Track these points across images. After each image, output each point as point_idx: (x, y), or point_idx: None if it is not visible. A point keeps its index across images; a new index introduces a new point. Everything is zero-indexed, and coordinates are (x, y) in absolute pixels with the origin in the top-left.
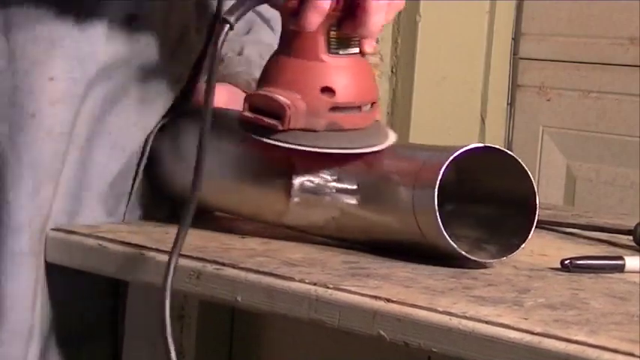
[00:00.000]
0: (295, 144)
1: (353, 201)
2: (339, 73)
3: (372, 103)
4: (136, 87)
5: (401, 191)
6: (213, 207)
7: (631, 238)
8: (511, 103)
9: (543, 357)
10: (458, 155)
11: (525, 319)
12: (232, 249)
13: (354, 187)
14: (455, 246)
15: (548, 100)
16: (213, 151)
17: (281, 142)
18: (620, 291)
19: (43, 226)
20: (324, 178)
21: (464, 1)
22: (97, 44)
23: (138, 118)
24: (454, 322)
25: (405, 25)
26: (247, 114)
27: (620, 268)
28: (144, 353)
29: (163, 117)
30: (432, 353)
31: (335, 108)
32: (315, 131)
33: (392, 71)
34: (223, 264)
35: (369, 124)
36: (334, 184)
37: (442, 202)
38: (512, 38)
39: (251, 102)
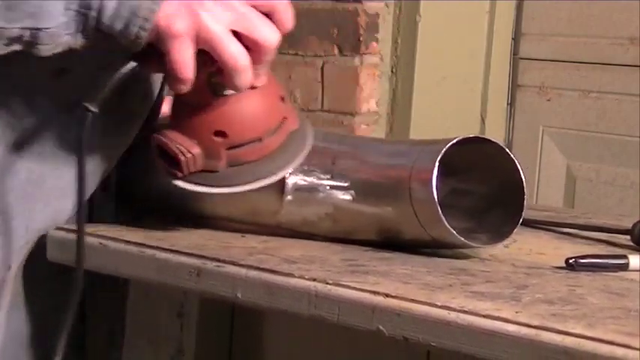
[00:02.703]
0: (196, 184)
1: (347, 196)
2: (230, 114)
3: (281, 122)
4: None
5: (397, 183)
6: (203, 212)
7: (629, 237)
8: (511, 103)
9: (541, 350)
10: (450, 148)
11: (523, 313)
12: (232, 247)
13: (347, 183)
14: (455, 233)
15: (548, 100)
16: None
17: (185, 182)
18: (618, 287)
19: None
20: (317, 176)
21: (464, 1)
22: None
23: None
24: (452, 316)
25: (405, 25)
26: (155, 156)
27: (624, 267)
28: (144, 353)
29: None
30: (431, 347)
31: (232, 147)
32: (215, 171)
33: (392, 71)
34: (223, 261)
35: (278, 145)
36: (328, 181)
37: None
38: (512, 38)
39: (155, 145)
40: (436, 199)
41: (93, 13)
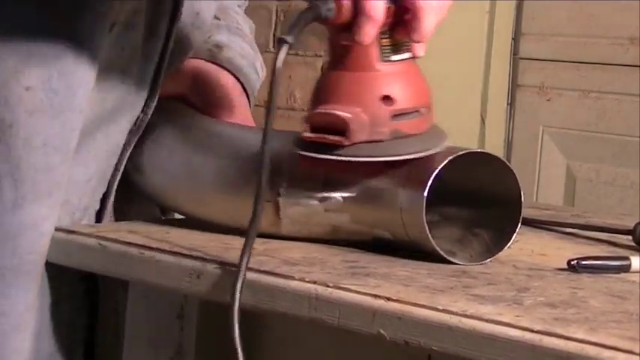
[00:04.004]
0: (363, 156)
1: (343, 218)
2: (396, 80)
3: (429, 106)
4: (115, 95)
5: (389, 210)
6: (198, 219)
7: (630, 238)
8: (511, 103)
9: (543, 355)
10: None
11: (525, 317)
12: (232, 248)
13: (342, 204)
14: (438, 249)
15: (548, 100)
16: (192, 169)
17: (348, 156)
18: (620, 290)
19: (31, 242)
20: (310, 196)
21: (464, 1)
22: (79, 55)
23: (113, 127)
24: (454, 320)
25: None
26: (309, 135)
27: (626, 269)
28: (143, 354)
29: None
30: (432, 352)
31: (396, 115)
32: (381, 141)
33: None
34: (224, 263)
35: (429, 126)
36: (322, 204)
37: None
38: (512, 38)
39: (311, 122)
40: (424, 219)
41: None
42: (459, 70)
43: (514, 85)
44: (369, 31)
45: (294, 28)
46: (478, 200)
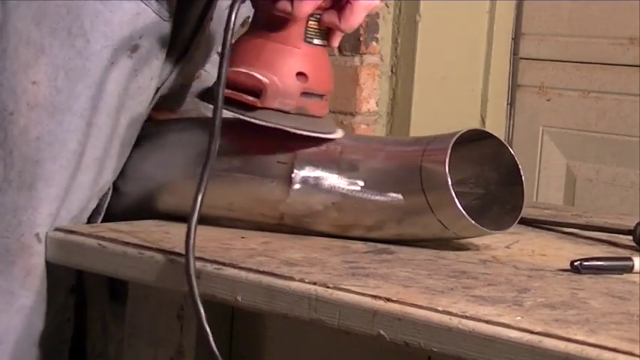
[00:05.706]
0: (270, 122)
1: (355, 186)
2: (312, 61)
3: (329, 94)
4: (127, 109)
5: (408, 168)
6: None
7: (631, 238)
8: (511, 103)
9: (543, 356)
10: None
11: (525, 318)
12: (232, 249)
13: (356, 172)
14: (466, 214)
15: (548, 100)
16: (199, 146)
17: (256, 119)
18: (620, 291)
19: (6, 225)
20: (325, 166)
21: (464, 1)
22: (90, 61)
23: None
24: (454, 321)
25: (405, 25)
26: (226, 90)
27: (629, 269)
28: (143, 354)
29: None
30: (432, 353)
31: (305, 93)
32: (286, 112)
33: (392, 71)
34: (223, 264)
35: (326, 113)
36: (336, 170)
37: None
38: (512, 38)
39: (229, 78)
40: (449, 179)
41: None
42: (459, 70)
43: (514, 85)
44: (307, 9)
45: None
46: (479, 189)
